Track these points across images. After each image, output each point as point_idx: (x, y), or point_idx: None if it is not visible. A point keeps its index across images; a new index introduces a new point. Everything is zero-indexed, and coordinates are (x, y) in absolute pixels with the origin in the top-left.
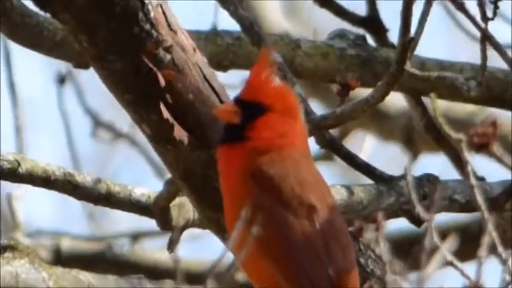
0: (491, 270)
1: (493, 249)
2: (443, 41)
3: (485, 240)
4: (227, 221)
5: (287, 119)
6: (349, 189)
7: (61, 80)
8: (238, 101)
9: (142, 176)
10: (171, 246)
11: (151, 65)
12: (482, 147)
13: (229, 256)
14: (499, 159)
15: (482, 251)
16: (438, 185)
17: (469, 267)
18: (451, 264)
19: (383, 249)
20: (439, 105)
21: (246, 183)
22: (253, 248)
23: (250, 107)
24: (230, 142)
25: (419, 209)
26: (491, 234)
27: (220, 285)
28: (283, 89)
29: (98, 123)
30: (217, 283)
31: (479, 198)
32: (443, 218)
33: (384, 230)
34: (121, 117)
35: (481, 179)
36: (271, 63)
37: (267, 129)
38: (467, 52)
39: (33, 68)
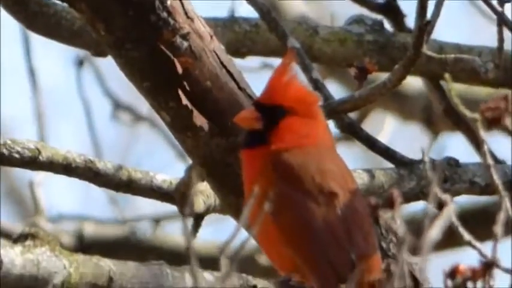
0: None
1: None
2: (461, 26)
3: (501, 218)
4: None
5: (308, 120)
6: (370, 173)
7: (79, 63)
8: (258, 105)
9: (165, 159)
10: (191, 232)
11: (168, 53)
12: (494, 121)
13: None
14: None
15: (498, 228)
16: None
17: (489, 248)
18: (469, 244)
19: (399, 226)
20: (458, 87)
21: (267, 173)
22: (275, 235)
23: (272, 111)
24: (254, 146)
25: (437, 191)
26: (507, 212)
27: (232, 265)
28: (303, 91)
29: (117, 105)
30: (230, 263)
31: (496, 177)
32: (464, 200)
33: (400, 207)
34: (140, 101)
35: (501, 162)
36: (293, 66)
37: (290, 132)
38: (485, 36)
39: (52, 53)
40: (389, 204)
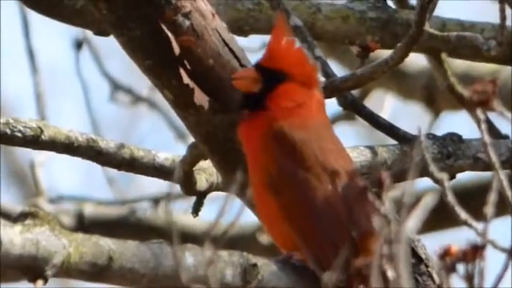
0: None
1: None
2: (464, 3)
3: (492, 198)
4: (252, 186)
5: (305, 88)
6: (372, 149)
7: (78, 45)
8: (258, 67)
9: (164, 140)
10: (194, 210)
11: (168, 32)
12: (481, 104)
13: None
14: (500, 116)
15: (488, 209)
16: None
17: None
18: (465, 223)
19: (388, 208)
20: (461, 64)
21: (268, 147)
22: (277, 212)
23: (271, 74)
24: (250, 110)
25: (433, 169)
26: (504, 191)
27: (217, 246)
28: (303, 57)
29: (116, 87)
30: (214, 245)
31: (493, 155)
32: (467, 176)
33: (389, 189)
34: (139, 81)
35: (504, 136)
36: (288, 28)
37: (287, 98)
38: (488, 14)
39: (51, 33)
40: (378, 185)
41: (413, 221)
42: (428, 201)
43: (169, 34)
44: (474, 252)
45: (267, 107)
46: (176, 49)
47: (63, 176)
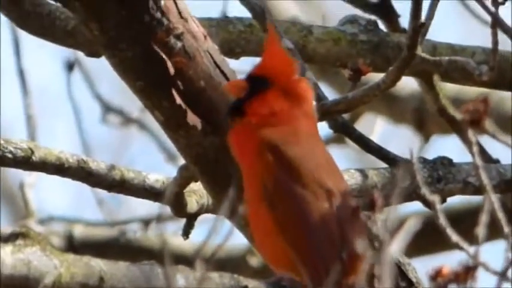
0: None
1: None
2: (455, 27)
3: (483, 219)
4: (246, 198)
5: (288, 97)
6: (363, 173)
7: (69, 66)
8: (248, 76)
9: (154, 162)
10: (184, 232)
11: (161, 53)
12: (473, 123)
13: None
14: (492, 136)
15: (480, 230)
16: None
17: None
18: (456, 245)
19: (380, 228)
20: (451, 88)
21: (264, 160)
22: (271, 224)
23: (257, 81)
24: (230, 115)
25: (425, 192)
26: (495, 214)
27: (208, 266)
28: (290, 67)
29: (107, 108)
30: (205, 265)
31: (485, 178)
32: (457, 200)
33: (381, 209)
34: (130, 103)
35: (495, 161)
36: (279, 37)
37: (264, 105)
38: (478, 38)
39: (42, 55)
40: (371, 206)
41: (398, 244)
42: (412, 225)
43: (163, 55)
44: (466, 273)
45: (244, 112)
46: (171, 69)
47: (53, 197)
